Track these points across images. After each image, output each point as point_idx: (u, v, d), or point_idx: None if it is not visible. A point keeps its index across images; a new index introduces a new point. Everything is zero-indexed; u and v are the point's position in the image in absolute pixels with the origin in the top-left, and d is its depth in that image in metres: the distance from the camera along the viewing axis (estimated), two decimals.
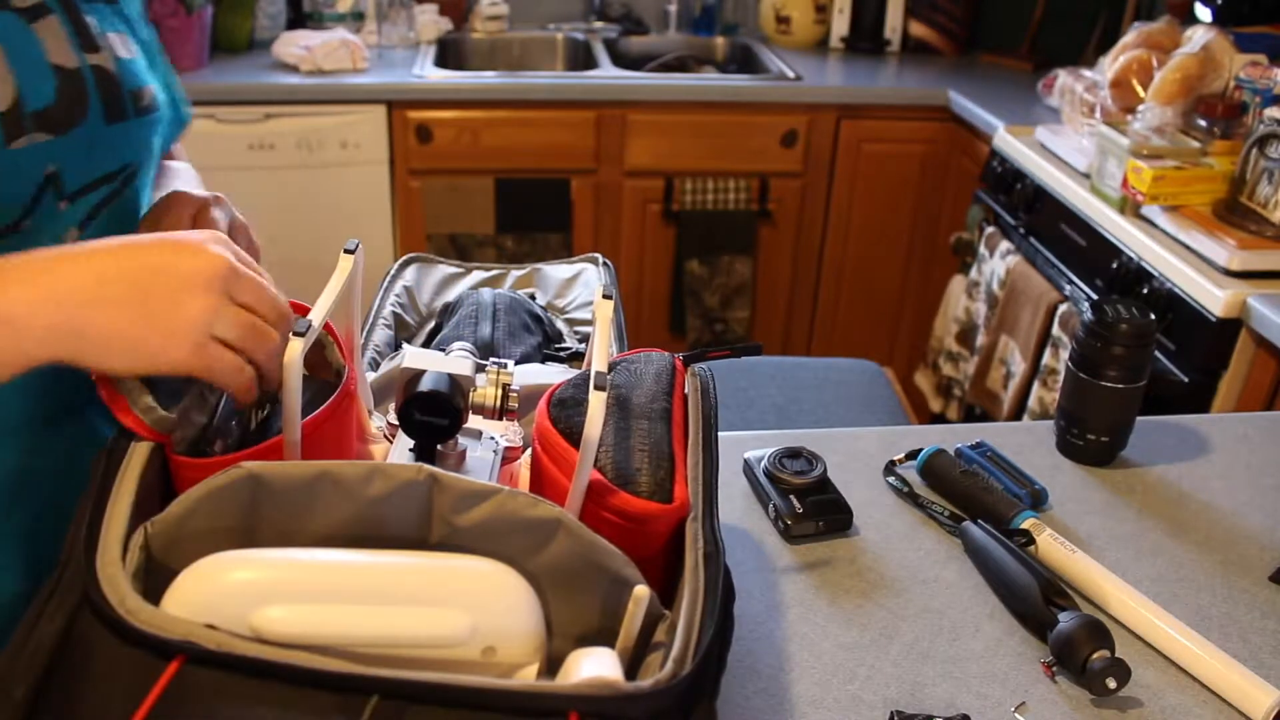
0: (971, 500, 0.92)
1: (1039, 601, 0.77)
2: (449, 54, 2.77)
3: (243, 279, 0.60)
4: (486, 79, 2.44)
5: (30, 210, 0.68)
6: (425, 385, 0.64)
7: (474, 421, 0.72)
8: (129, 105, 0.74)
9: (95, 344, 0.55)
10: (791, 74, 2.59)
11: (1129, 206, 1.73)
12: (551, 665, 0.54)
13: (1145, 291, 1.63)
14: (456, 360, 0.67)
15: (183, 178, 0.90)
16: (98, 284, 0.55)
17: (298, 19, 2.73)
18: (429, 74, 2.44)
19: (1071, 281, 1.88)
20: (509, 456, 0.74)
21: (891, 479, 0.97)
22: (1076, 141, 2.00)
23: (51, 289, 0.55)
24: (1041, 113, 2.30)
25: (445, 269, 1.10)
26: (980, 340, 2.17)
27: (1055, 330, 1.85)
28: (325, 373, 0.74)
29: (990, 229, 2.20)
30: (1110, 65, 2.01)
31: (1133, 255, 1.70)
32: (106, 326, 0.55)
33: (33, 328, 0.54)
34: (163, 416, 0.59)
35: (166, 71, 0.90)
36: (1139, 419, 1.02)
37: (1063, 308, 1.85)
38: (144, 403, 0.59)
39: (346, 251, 0.68)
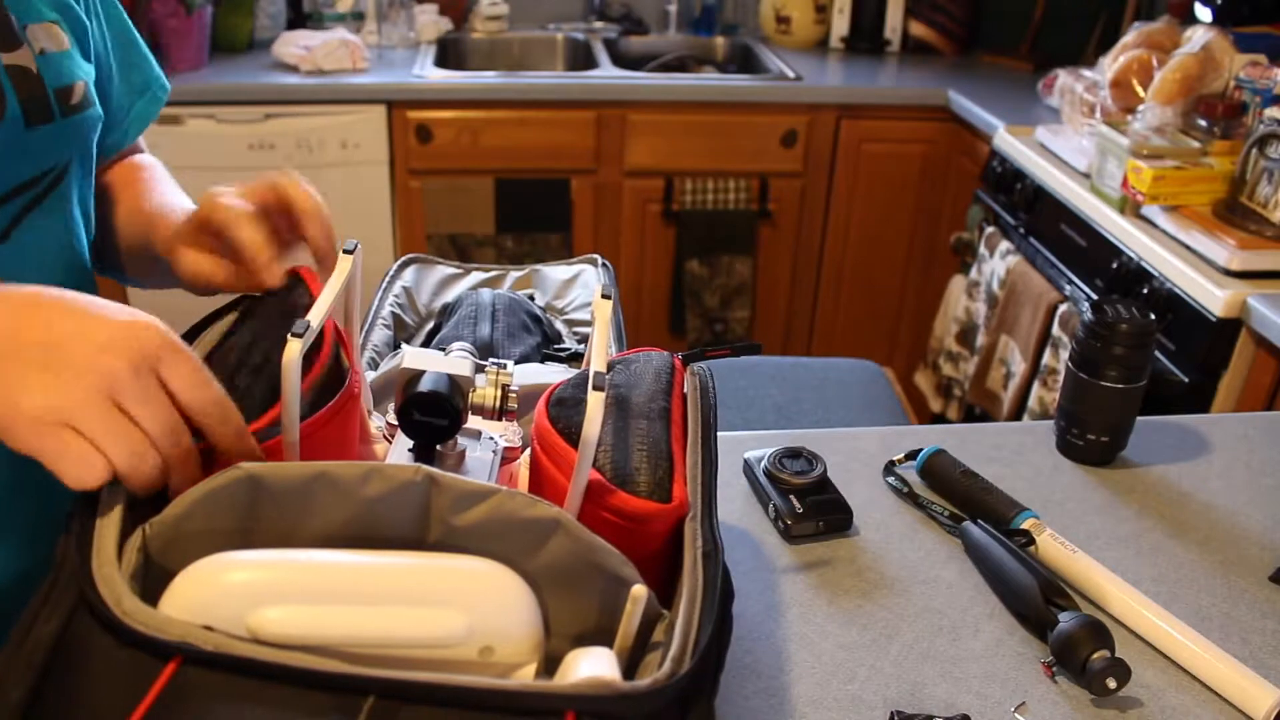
0: (971, 500, 0.91)
1: (1039, 601, 0.77)
2: (449, 54, 2.77)
3: (130, 390, 0.52)
4: (486, 79, 2.44)
5: None
6: (424, 386, 0.64)
7: (473, 422, 0.72)
8: (55, 106, 0.69)
9: None
10: (791, 74, 2.58)
11: (1129, 206, 1.73)
12: (549, 665, 0.54)
13: (1145, 291, 1.63)
14: (456, 361, 0.67)
15: (165, 181, 0.86)
16: None
17: (298, 19, 2.73)
18: (429, 74, 2.44)
19: (1071, 281, 1.88)
20: (508, 457, 0.74)
21: (891, 479, 0.96)
22: (1076, 141, 2.00)
23: None
24: (1041, 113, 2.30)
25: (444, 269, 1.10)
26: (980, 340, 2.16)
27: (1055, 330, 1.85)
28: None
29: (990, 229, 2.19)
30: (1110, 65, 2.01)
31: (1133, 255, 1.69)
32: None
33: None
34: None
35: (129, 51, 0.83)
36: (1139, 419, 1.02)
37: (1063, 308, 1.85)
38: None
39: (345, 252, 0.68)
